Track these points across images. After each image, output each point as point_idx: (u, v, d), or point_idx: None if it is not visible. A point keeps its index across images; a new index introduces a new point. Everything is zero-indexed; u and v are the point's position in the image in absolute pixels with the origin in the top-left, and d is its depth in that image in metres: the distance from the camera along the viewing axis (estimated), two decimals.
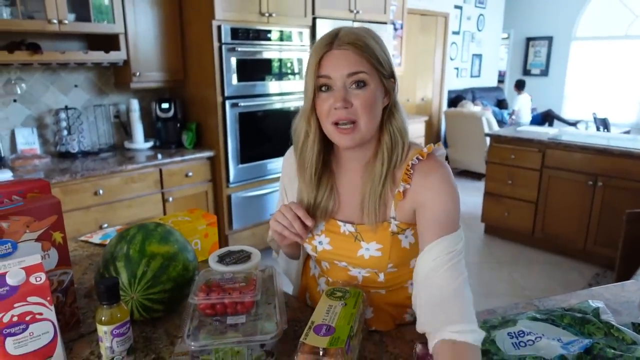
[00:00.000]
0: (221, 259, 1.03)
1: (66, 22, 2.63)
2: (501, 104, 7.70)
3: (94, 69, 3.14)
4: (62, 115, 2.97)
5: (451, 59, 6.86)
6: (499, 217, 3.98)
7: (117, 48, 2.93)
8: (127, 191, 2.84)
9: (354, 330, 0.84)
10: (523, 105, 6.92)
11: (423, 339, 0.95)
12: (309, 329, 0.80)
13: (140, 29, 3.02)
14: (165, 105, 3.29)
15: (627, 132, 6.76)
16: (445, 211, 0.92)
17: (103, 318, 0.82)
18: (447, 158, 5.61)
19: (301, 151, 1.02)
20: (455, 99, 6.90)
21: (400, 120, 0.98)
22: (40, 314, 0.79)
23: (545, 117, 7.40)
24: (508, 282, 3.32)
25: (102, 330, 0.82)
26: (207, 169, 3.27)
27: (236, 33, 3.11)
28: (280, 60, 3.44)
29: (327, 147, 1.03)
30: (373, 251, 0.99)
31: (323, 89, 0.93)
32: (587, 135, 4.34)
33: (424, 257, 0.90)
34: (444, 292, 0.86)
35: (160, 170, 2.99)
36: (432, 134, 6.68)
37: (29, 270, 0.80)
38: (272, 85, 3.43)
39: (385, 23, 4.21)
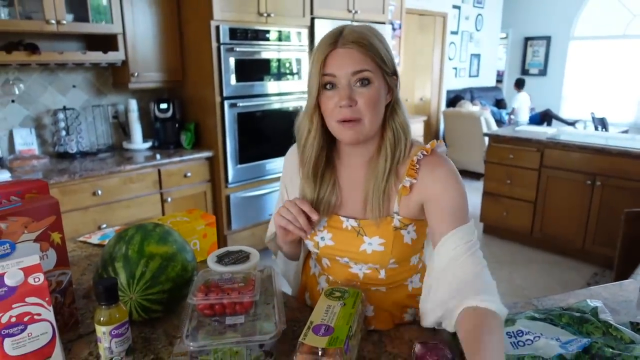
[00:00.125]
0: (220, 260, 1.03)
1: (64, 22, 2.62)
2: (500, 103, 7.71)
3: (92, 69, 3.14)
4: (61, 115, 2.97)
5: (450, 58, 6.87)
6: (498, 217, 3.98)
7: (116, 48, 2.92)
8: (126, 191, 2.84)
9: (353, 330, 0.84)
10: (522, 104, 6.93)
11: (422, 339, 0.95)
12: (308, 329, 0.80)
13: (139, 30, 3.01)
14: (163, 106, 3.29)
15: (625, 132, 6.78)
16: (457, 203, 0.95)
17: (102, 318, 0.82)
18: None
19: (303, 148, 1.03)
20: (453, 99, 6.90)
21: (403, 116, 1.00)
22: (39, 314, 0.79)
23: (543, 117, 7.41)
24: (507, 281, 3.32)
25: (101, 330, 0.82)
26: (205, 169, 3.26)
27: (235, 33, 3.11)
28: (278, 60, 3.44)
29: (329, 144, 1.04)
30: (376, 246, 0.99)
31: (328, 87, 0.94)
32: (585, 134, 4.35)
33: (443, 248, 0.92)
34: (467, 276, 0.88)
35: (159, 171, 2.99)
36: (431, 134, 6.69)
37: (27, 271, 0.79)
38: (271, 86, 3.43)
39: (383, 23, 4.21)
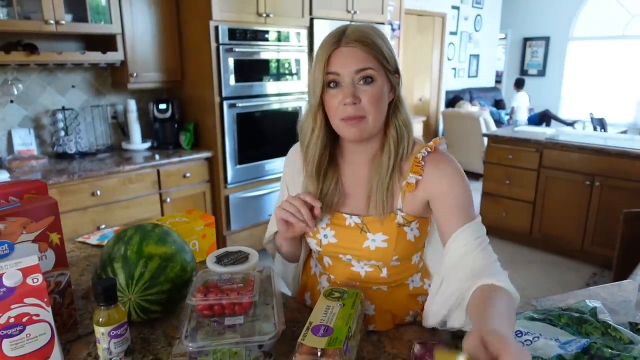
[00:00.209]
0: (219, 260, 1.03)
1: (63, 22, 2.62)
2: (499, 104, 7.72)
3: (91, 69, 3.14)
4: (59, 115, 2.96)
5: (449, 59, 6.87)
6: (497, 217, 3.98)
7: (114, 49, 2.92)
8: (125, 192, 2.83)
9: (352, 331, 0.84)
10: (521, 103, 6.94)
11: (421, 339, 0.95)
12: (307, 330, 0.80)
13: (138, 30, 3.01)
14: (162, 106, 3.28)
15: (624, 132, 6.78)
16: (464, 199, 0.96)
17: (100, 319, 0.82)
18: None
19: (307, 146, 1.04)
20: (452, 99, 6.91)
21: (405, 114, 1.02)
22: (37, 315, 0.79)
23: (542, 117, 7.42)
24: None
25: (100, 331, 0.82)
26: (204, 169, 3.26)
27: (234, 33, 3.11)
28: (277, 60, 3.44)
29: (333, 142, 1.05)
30: (379, 242, 1.00)
31: (331, 85, 0.95)
32: (584, 135, 4.36)
33: (453, 244, 0.93)
34: (480, 265, 0.90)
35: (158, 171, 2.98)
36: (430, 134, 6.69)
37: (26, 272, 0.79)
38: (270, 86, 3.43)
39: (382, 23, 4.21)
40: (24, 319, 0.77)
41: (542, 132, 4.09)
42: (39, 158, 2.82)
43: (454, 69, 7.10)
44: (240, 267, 1.00)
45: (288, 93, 3.55)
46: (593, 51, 7.92)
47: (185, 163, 3.13)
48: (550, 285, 3.28)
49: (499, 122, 6.78)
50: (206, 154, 3.23)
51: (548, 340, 0.92)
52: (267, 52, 3.34)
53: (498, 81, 8.74)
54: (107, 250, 1.01)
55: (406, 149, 1.00)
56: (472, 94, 7.25)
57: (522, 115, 6.98)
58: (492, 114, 6.65)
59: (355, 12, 3.88)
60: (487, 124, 5.81)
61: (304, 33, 3.55)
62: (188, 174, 3.14)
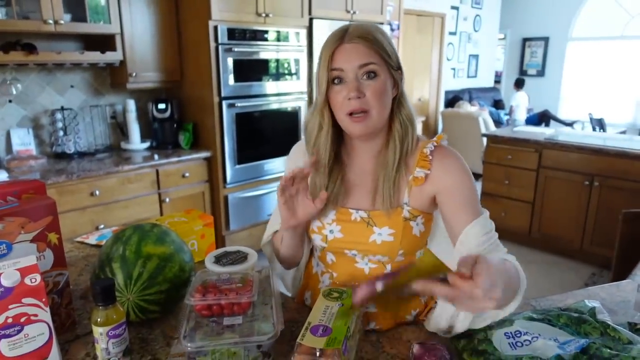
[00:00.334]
0: (218, 260, 1.03)
1: (62, 22, 2.62)
2: (498, 104, 7.72)
3: (90, 69, 3.13)
4: (58, 115, 2.96)
5: (448, 59, 6.88)
6: (496, 217, 3.93)
7: (114, 48, 2.92)
8: (124, 192, 2.83)
9: (351, 331, 0.84)
10: (520, 103, 6.95)
11: (420, 339, 0.95)
12: (306, 330, 0.80)
13: (137, 30, 3.01)
14: (161, 106, 3.28)
15: (623, 132, 6.79)
16: (471, 194, 1.00)
17: (99, 319, 0.81)
18: None
19: (315, 143, 1.05)
20: (452, 100, 6.91)
21: (409, 109, 1.03)
22: (36, 315, 0.79)
23: (541, 118, 7.42)
24: None
25: (98, 331, 0.82)
26: (203, 169, 3.26)
27: (233, 33, 3.11)
28: (277, 60, 3.44)
29: (338, 140, 1.06)
30: (385, 236, 1.01)
31: (336, 81, 0.97)
32: (583, 135, 4.36)
33: (464, 242, 0.95)
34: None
35: (157, 171, 2.98)
36: (429, 134, 6.65)
37: (24, 272, 0.79)
38: (269, 86, 3.42)
39: (382, 23, 4.21)
40: (22, 319, 0.77)
41: (541, 132, 4.09)
42: (37, 158, 2.82)
43: (453, 69, 7.11)
44: (239, 267, 1.00)
45: (287, 93, 3.55)
46: (592, 51, 7.92)
47: (184, 163, 3.13)
48: (550, 286, 3.28)
49: (498, 122, 6.78)
50: (205, 154, 3.23)
51: (547, 340, 0.91)
52: (266, 52, 3.34)
53: (497, 81, 8.74)
54: (105, 250, 1.01)
55: (411, 144, 1.02)
56: (471, 94, 7.25)
57: (521, 115, 6.99)
58: (491, 114, 6.66)
59: (354, 12, 3.88)
60: (486, 124, 5.81)
61: (303, 33, 3.55)
62: (187, 174, 3.14)
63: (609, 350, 0.87)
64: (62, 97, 3.05)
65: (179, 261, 1.02)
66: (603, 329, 0.96)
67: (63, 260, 0.97)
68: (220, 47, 3.06)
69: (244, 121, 3.30)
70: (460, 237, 0.96)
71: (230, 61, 3.13)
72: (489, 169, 4.02)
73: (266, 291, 0.94)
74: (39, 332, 0.79)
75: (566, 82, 8.23)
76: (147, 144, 3.29)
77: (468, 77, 7.48)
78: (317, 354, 0.75)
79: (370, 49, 0.95)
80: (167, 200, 3.04)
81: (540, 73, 8.43)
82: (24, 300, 0.77)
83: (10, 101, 2.85)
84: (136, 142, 3.25)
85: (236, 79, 3.20)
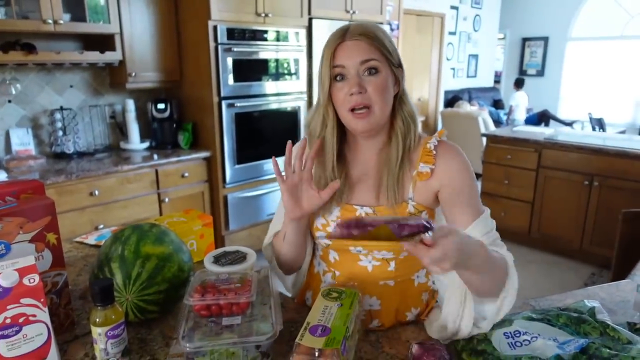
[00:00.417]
0: (217, 260, 1.02)
1: (61, 22, 2.61)
2: (497, 104, 7.72)
3: (89, 69, 3.13)
4: (58, 115, 2.96)
5: (447, 59, 6.88)
6: (496, 217, 3.90)
7: (113, 48, 2.92)
8: (123, 192, 2.83)
9: (350, 331, 0.83)
10: (519, 102, 6.96)
11: (419, 339, 0.95)
12: (305, 330, 0.80)
13: (136, 29, 3.01)
14: (161, 106, 3.28)
15: (623, 132, 6.79)
16: (472, 192, 1.01)
17: (97, 319, 0.81)
18: None
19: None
20: (451, 99, 6.91)
21: (410, 106, 1.05)
22: (34, 315, 0.78)
23: (541, 118, 7.43)
24: None
25: (97, 332, 0.82)
26: (203, 169, 3.26)
27: (232, 33, 3.10)
28: (276, 60, 3.44)
29: (341, 137, 1.06)
30: None
31: (338, 78, 0.98)
32: (582, 135, 4.36)
33: None
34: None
35: (156, 171, 2.98)
36: (429, 134, 6.68)
37: (23, 272, 0.79)
38: (269, 86, 3.42)
39: (381, 23, 4.21)
40: (21, 320, 0.77)
41: (540, 132, 4.09)
42: (37, 158, 2.81)
43: (453, 69, 7.10)
44: (238, 267, 1.00)
45: (287, 93, 3.55)
46: (592, 51, 7.93)
47: (183, 163, 3.12)
48: (549, 285, 3.28)
49: (497, 122, 6.78)
50: (205, 154, 3.23)
51: (546, 340, 0.91)
52: (265, 51, 3.34)
53: (497, 81, 8.75)
54: (104, 250, 1.01)
55: (413, 140, 1.03)
56: (470, 94, 7.25)
57: (520, 115, 6.99)
58: (490, 114, 6.66)
59: (354, 12, 3.88)
60: (486, 124, 5.81)
61: (303, 33, 3.54)
62: (186, 174, 3.14)
63: (608, 350, 0.87)
64: (62, 97, 3.05)
65: (178, 261, 1.02)
66: (602, 329, 0.96)
67: (62, 260, 0.96)
68: (219, 47, 3.05)
69: (244, 121, 3.30)
70: None
71: (229, 61, 3.13)
72: (489, 169, 4.02)
73: (265, 291, 0.94)
74: (37, 333, 0.79)
75: (566, 82, 8.23)
76: (146, 144, 3.29)
77: (468, 77, 7.48)
78: (316, 354, 0.75)
79: (371, 45, 0.96)
80: (167, 200, 3.04)
81: (540, 73, 8.43)
82: (23, 301, 0.77)
83: (9, 101, 2.84)
84: (135, 142, 3.25)
85: (235, 79, 3.20)
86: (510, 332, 0.95)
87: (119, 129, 3.33)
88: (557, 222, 3.68)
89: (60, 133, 2.96)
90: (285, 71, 3.52)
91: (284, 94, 3.53)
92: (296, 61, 3.56)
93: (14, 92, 2.80)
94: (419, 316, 1.11)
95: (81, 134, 3.09)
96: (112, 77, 3.20)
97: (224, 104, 3.16)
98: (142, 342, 0.96)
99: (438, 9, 6.40)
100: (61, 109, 2.99)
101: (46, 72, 2.96)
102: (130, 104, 3.22)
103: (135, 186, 2.88)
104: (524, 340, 0.93)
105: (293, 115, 3.62)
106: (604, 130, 6.70)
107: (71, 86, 3.08)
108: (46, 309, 0.80)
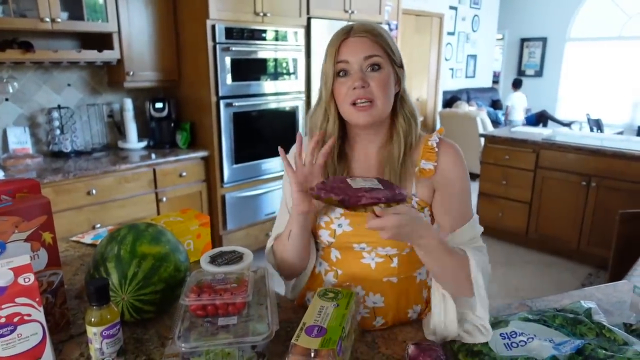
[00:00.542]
0: (213, 260, 1.02)
1: (59, 20, 2.61)
2: (496, 104, 7.73)
3: (87, 68, 3.12)
4: (55, 114, 2.95)
5: (446, 59, 6.88)
6: (493, 218, 3.99)
7: (111, 47, 2.91)
8: (121, 191, 2.82)
9: (346, 331, 0.83)
10: (516, 103, 6.96)
11: (415, 340, 0.95)
12: (301, 330, 0.80)
13: (134, 28, 3.00)
14: (159, 105, 3.27)
15: (620, 133, 6.80)
16: (467, 196, 1.04)
17: (93, 319, 0.81)
18: None
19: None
20: (450, 100, 6.91)
21: (411, 104, 1.07)
22: (29, 315, 0.78)
23: (539, 118, 7.44)
24: (502, 282, 3.33)
25: (92, 331, 0.81)
26: (201, 169, 3.25)
27: (230, 33, 3.10)
28: (275, 60, 3.43)
29: (342, 136, 1.08)
30: None
31: (341, 74, 1.00)
32: (580, 136, 4.37)
33: (450, 241, 1.00)
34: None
35: (154, 170, 2.97)
36: (428, 133, 6.69)
37: (18, 271, 0.79)
38: (267, 85, 3.42)
39: (380, 23, 4.20)
40: (16, 319, 0.77)
41: (538, 132, 4.09)
42: (34, 157, 2.81)
43: (452, 69, 7.11)
44: (235, 267, 1.00)
45: (285, 92, 3.55)
46: (590, 52, 7.94)
47: (181, 162, 3.12)
48: (546, 286, 3.29)
49: (496, 123, 6.79)
50: (202, 153, 3.22)
51: (542, 341, 0.92)
52: (264, 51, 3.34)
53: (495, 81, 8.75)
54: (100, 250, 1.00)
55: (414, 138, 1.05)
56: (469, 94, 7.25)
57: (518, 116, 7.00)
58: (489, 114, 6.66)
59: (352, 12, 3.88)
60: (484, 124, 5.81)
61: (301, 32, 3.54)
62: (184, 173, 3.13)
63: (604, 351, 0.87)
64: (59, 96, 3.04)
65: (174, 261, 1.02)
66: (598, 330, 0.96)
67: (57, 259, 0.96)
68: (218, 47, 3.05)
69: (242, 121, 3.30)
70: (447, 237, 1.01)
71: (228, 60, 3.12)
72: (487, 169, 4.03)
73: (261, 291, 0.94)
74: (32, 332, 0.79)
75: (564, 82, 8.24)
76: (144, 143, 3.29)
77: (466, 77, 7.48)
78: (312, 354, 0.75)
79: (375, 42, 0.98)
80: (164, 199, 3.04)
81: (538, 73, 8.44)
82: (18, 300, 0.77)
83: (6, 99, 2.84)
84: (133, 141, 3.24)
85: (234, 79, 3.19)
86: (506, 333, 0.95)
87: (117, 128, 3.32)
88: (554, 222, 3.68)
89: (58, 132, 2.96)
90: (284, 71, 3.51)
91: (282, 93, 3.53)
92: (295, 61, 3.55)
93: (11, 90, 2.80)
94: (420, 315, 1.11)
95: (79, 133, 3.09)
96: (110, 76, 3.19)
97: (222, 103, 3.16)
98: (138, 342, 0.95)
99: (437, 9, 6.40)
100: (59, 107, 2.98)
101: (44, 70, 2.95)
102: (128, 103, 3.21)
103: (133, 185, 2.88)
104: (520, 341, 0.93)
105: (291, 115, 3.62)
106: (601, 131, 6.71)
107: (69, 85, 3.08)
108: (41, 309, 0.79)
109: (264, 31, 3.29)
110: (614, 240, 2.11)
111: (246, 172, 3.42)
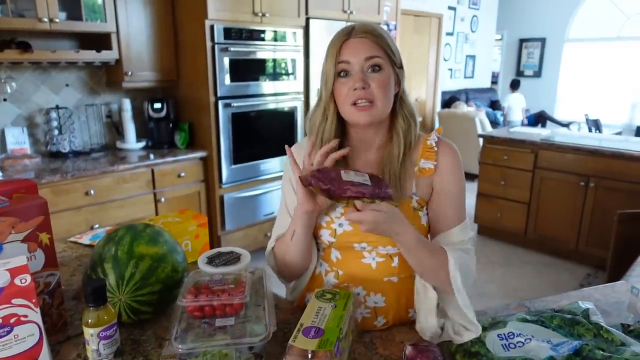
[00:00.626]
0: (210, 261, 1.02)
1: (57, 20, 2.60)
2: (494, 105, 7.73)
3: (85, 68, 3.12)
4: (53, 114, 2.95)
5: (445, 59, 6.88)
6: (492, 218, 3.99)
7: (109, 47, 2.91)
8: (119, 191, 2.82)
9: (344, 333, 0.83)
10: (513, 104, 6.96)
11: (413, 340, 0.95)
12: (298, 331, 0.80)
13: (133, 28, 3.00)
14: (157, 105, 3.27)
15: (619, 134, 6.81)
16: (462, 197, 1.06)
17: (89, 320, 0.81)
18: None
19: (317, 132, 1.07)
20: (449, 100, 6.92)
21: (410, 105, 1.08)
22: (26, 316, 0.78)
23: (538, 118, 7.45)
24: (500, 283, 3.33)
25: (89, 332, 0.81)
26: (199, 169, 3.25)
27: (229, 33, 3.10)
28: (273, 60, 3.43)
29: (342, 137, 1.08)
30: None
31: (342, 74, 1.01)
32: (579, 136, 4.37)
33: (440, 241, 1.02)
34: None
35: (153, 171, 2.97)
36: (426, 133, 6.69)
37: (14, 272, 0.78)
38: (266, 86, 3.42)
39: (379, 24, 4.20)
40: (12, 320, 0.77)
41: (537, 133, 4.10)
42: (32, 157, 2.80)
43: (450, 69, 7.11)
44: (232, 267, 0.99)
45: (284, 93, 3.55)
46: (588, 52, 7.95)
47: (180, 163, 3.12)
48: (545, 286, 3.29)
49: (494, 123, 6.79)
50: (201, 154, 3.22)
51: (540, 342, 0.91)
52: (262, 51, 3.34)
53: (494, 82, 8.76)
54: (97, 251, 1.00)
55: (413, 138, 1.06)
56: (468, 95, 7.26)
57: (516, 116, 7.01)
58: (487, 114, 6.67)
59: (351, 12, 3.88)
60: (483, 124, 5.82)
61: (300, 33, 3.54)
62: (183, 174, 3.13)
63: (601, 352, 0.87)
64: (57, 96, 3.04)
65: (172, 262, 1.02)
66: (596, 331, 0.96)
67: (54, 260, 0.96)
68: (216, 47, 3.05)
69: (240, 121, 3.30)
70: (438, 237, 1.05)
71: (226, 61, 3.12)
72: (485, 170, 4.03)
73: (259, 292, 0.94)
74: (29, 333, 0.79)
75: (562, 83, 8.25)
76: (142, 144, 3.28)
77: (465, 77, 7.48)
78: (309, 355, 0.75)
79: (376, 43, 0.99)
80: (163, 200, 3.03)
81: (537, 74, 8.45)
82: (14, 301, 0.77)
83: (4, 100, 2.83)
84: (132, 141, 3.24)
85: (232, 79, 3.19)
86: (504, 334, 0.95)
87: (115, 128, 3.32)
88: (553, 223, 3.68)
89: (56, 132, 2.95)
90: (283, 71, 3.51)
91: (281, 94, 3.53)
92: (293, 61, 3.55)
93: (9, 90, 2.79)
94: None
95: (77, 133, 3.08)
96: (109, 76, 3.18)
97: (220, 103, 3.16)
98: (135, 343, 0.95)
99: (436, 10, 6.40)
100: (57, 107, 2.98)
101: (42, 70, 2.95)
102: (127, 104, 3.21)
103: (131, 186, 2.87)
104: (517, 342, 0.93)
105: (290, 115, 3.62)
106: (600, 131, 6.73)
107: (67, 85, 3.07)
108: (38, 310, 0.79)
109: (263, 31, 3.29)
110: (612, 241, 2.11)
111: (245, 173, 3.41)
